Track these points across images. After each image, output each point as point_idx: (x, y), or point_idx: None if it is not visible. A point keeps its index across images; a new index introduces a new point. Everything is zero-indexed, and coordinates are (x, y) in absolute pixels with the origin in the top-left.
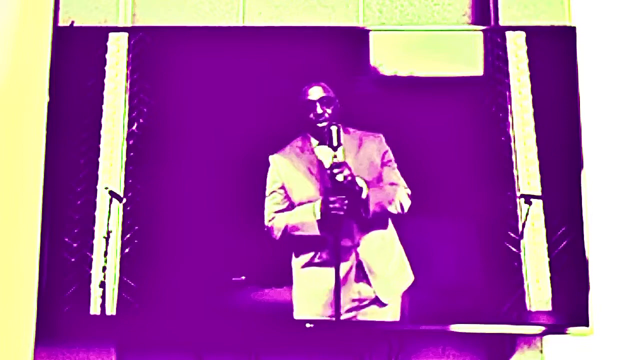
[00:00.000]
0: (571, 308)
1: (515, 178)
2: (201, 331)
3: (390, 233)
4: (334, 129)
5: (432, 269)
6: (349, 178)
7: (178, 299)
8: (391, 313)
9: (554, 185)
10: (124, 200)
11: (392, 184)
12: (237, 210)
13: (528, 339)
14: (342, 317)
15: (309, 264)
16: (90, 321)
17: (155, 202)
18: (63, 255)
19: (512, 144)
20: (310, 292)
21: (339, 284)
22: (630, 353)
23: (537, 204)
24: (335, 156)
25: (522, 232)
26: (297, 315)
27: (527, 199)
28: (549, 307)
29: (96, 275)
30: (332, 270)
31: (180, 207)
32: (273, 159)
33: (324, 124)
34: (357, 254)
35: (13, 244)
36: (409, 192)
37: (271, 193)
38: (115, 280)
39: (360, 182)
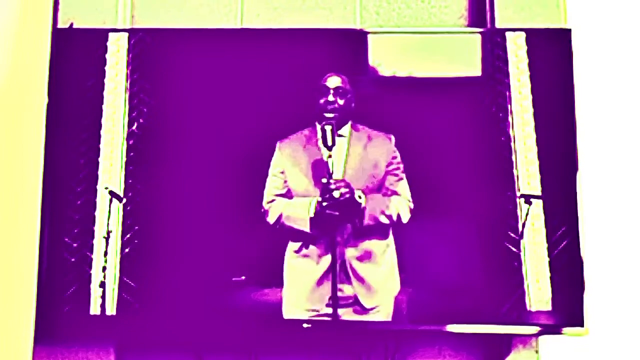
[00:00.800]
0: (567, 308)
1: (515, 178)
2: (201, 331)
3: (384, 240)
4: (328, 128)
5: (432, 269)
6: (347, 195)
7: (178, 299)
8: (380, 316)
9: (554, 185)
10: (124, 200)
11: (394, 193)
12: (237, 210)
13: (524, 339)
14: (322, 312)
15: (298, 252)
16: (90, 321)
17: (155, 202)
18: (63, 255)
19: (512, 144)
20: (297, 283)
21: (335, 283)
22: (625, 353)
23: (537, 204)
24: (330, 156)
25: (522, 232)
26: (285, 305)
27: (527, 199)
28: (549, 307)
29: (96, 275)
30: (320, 264)
31: (180, 207)
32: (279, 144)
33: (332, 114)
34: (342, 253)
35: (13, 244)
36: (412, 206)
37: (273, 176)
38: (115, 280)
39: (359, 198)
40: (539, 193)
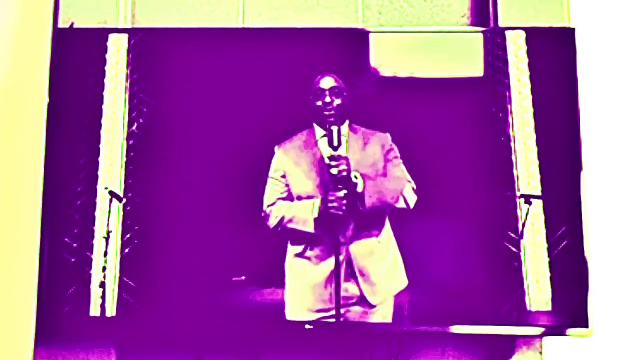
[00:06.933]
0: (570, 309)
1: (515, 178)
2: (201, 331)
3: (386, 235)
4: (334, 129)
5: (432, 269)
6: (344, 173)
7: (178, 299)
8: (380, 315)
9: (554, 186)
10: (124, 200)
11: (397, 178)
12: (237, 210)
13: (527, 340)
14: (329, 312)
15: (301, 255)
16: (90, 321)
17: (155, 202)
18: (63, 255)
19: (512, 144)
20: (300, 285)
21: (339, 283)
22: (629, 354)
23: (537, 204)
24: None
25: (522, 232)
26: (289, 307)
27: (527, 199)
28: (548, 307)
29: (96, 275)
30: (323, 264)
31: (180, 207)
32: (278, 149)
33: (331, 112)
34: (347, 252)
35: (13, 244)
36: (414, 186)
37: (274, 179)
38: (115, 280)
39: (355, 178)
40: (539, 193)
